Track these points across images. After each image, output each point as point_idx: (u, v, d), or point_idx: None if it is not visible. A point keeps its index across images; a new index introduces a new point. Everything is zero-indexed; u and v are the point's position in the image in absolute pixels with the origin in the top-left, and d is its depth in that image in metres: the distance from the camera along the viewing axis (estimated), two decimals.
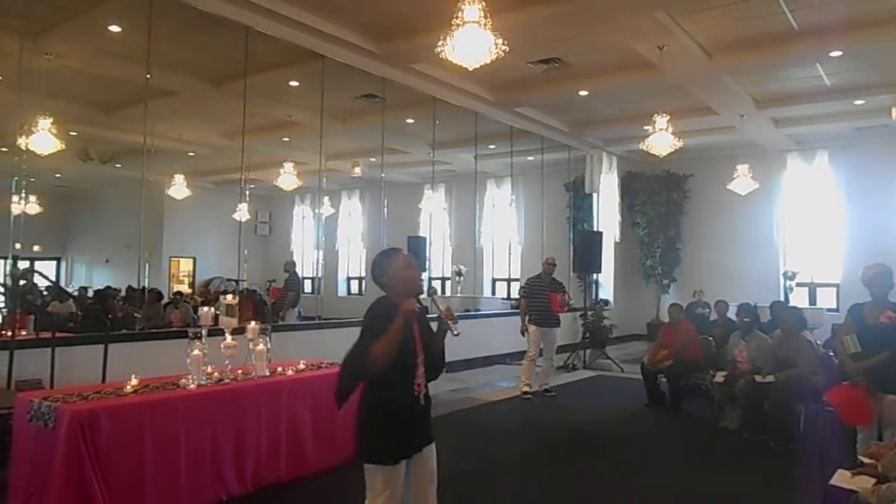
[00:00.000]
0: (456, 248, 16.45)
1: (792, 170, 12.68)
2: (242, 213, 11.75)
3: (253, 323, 4.80)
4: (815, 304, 12.12)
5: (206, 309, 4.63)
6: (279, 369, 4.90)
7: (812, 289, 12.56)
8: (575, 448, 6.15)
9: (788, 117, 10.95)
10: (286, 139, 12.83)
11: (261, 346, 4.71)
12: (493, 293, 15.96)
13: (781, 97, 9.98)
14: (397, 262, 3.06)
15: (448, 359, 8.93)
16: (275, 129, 12.20)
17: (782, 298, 11.25)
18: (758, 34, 7.70)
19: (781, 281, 12.16)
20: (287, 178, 11.44)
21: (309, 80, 9.26)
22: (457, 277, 15.29)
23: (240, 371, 4.66)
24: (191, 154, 14.10)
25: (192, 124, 12.49)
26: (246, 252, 14.72)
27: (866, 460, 3.35)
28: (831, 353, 6.57)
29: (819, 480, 3.70)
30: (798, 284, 12.22)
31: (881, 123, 10.34)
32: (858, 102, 9.79)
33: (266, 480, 4.47)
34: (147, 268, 12.30)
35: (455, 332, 3.05)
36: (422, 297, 3.16)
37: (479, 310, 12.77)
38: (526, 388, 8.34)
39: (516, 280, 14.15)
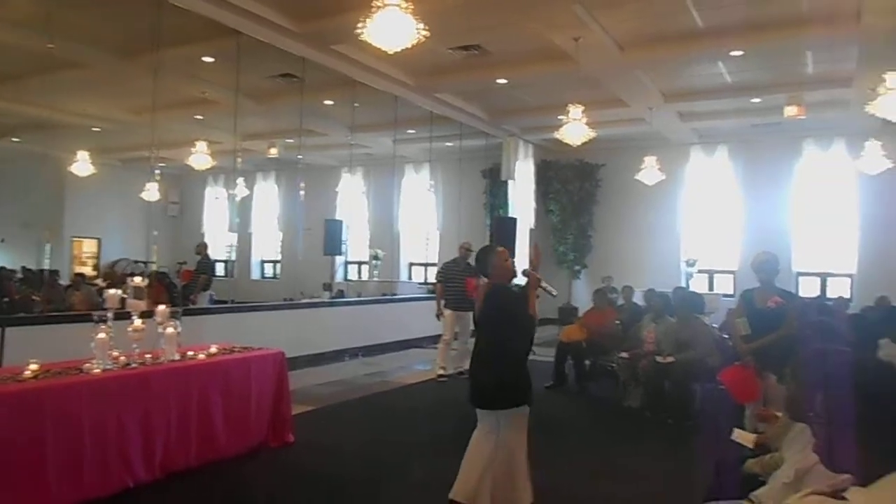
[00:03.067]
0: (373, 233, 16.40)
1: (695, 162, 13.34)
2: (152, 192, 11.32)
3: (162, 306, 4.67)
4: (713, 289, 12.84)
5: (112, 291, 4.47)
6: (190, 353, 4.79)
7: (711, 275, 13.32)
8: None
9: (693, 112, 11.50)
10: (199, 117, 12.40)
11: (170, 330, 4.59)
12: (410, 277, 16.03)
13: (687, 92, 10.47)
14: (500, 256, 3.95)
15: (364, 343, 9.12)
16: (187, 106, 11.76)
17: (684, 284, 11.85)
18: (666, 31, 8.05)
19: (683, 268, 12.81)
20: (199, 157, 11.06)
21: (224, 57, 8.97)
22: (373, 261, 15.26)
23: (148, 355, 4.53)
24: (96, 130, 13.41)
25: (98, 98, 11.86)
26: (155, 233, 14.22)
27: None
28: (726, 336, 7.03)
29: (712, 452, 3.98)
30: (698, 271, 12.91)
31: (775, 121, 11.01)
32: (755, 100, 10.39)
33: (176, 466, 4.38)
34: (48, 249, 11.70)
35: (554, 294, 4.12)
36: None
37: (395, 294, 12.82)
38: (441, 371, 8.48)
39: (433, 265, 14.28)
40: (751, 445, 3.23)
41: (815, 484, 1.84)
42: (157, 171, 11.33)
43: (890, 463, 1.48)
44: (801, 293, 11.66)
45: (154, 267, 11.74)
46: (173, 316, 4.68)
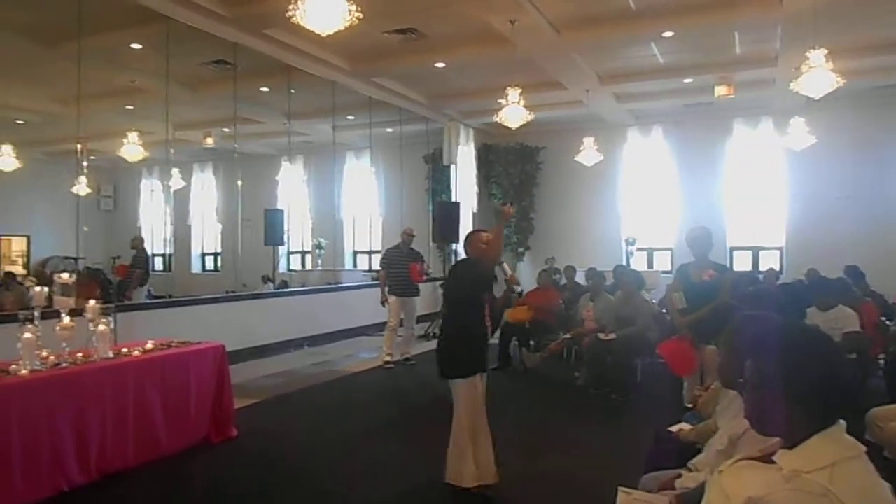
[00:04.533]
0: (316, 221, 16.15)
1: (632, 143, 13.58)
2: (82, 186, 10.88)
3: (93, 302, 4.50)
4: (652, 267, 13.16)
5: (38, 289, 4.28)
6: (124, 350, 4.64)
7: (650, 253, 13.63)
8: (435, 413, 6.31)
9: (628, 93, 11.69)
10: (130, 107, 11.95)
11: (102, 327, 4.42)
12: (355, 265, 15.90)
13: (622, 74, 10.63)
14: (479, 238, 4.11)
15: (310, 333, 9.08)
16: (117, 95, 11.31)
17: (624, 263, 12.09)
18: (601, 13, 8.12)
19: (623, 246, 13.07)
20: (131, 148, 10.64)
21: (153, 44, 8.64)
22: (317, 250, 15.07)
23: (80, 354, 4.36)
24: (19, 122, 12.78)
25: (20, 89, 11.28)
26: (86, 229, 13.65)
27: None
28: (664, 311, 7.22)
29: (652, 424, 4.09)
30: (638, 249, 13.19)
31: (706, 101, 11.30)
32: (687, 81, 10.63)
33: (113, 467, 4.24)
34: None
35: (517, 292, 4.30)
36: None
37: (340, 282, 12.69)
38: (388, 358, 8.45)
39: (378, 252, 14.15)
40: (690, 437, 3.28)
41: (747, 450, 1.90)
42: (85, 164, 10.85)
43: (815, 425, 1.53)
44: (735, 267, 12.08)
45: (86, 263, 11.29)
46: (105, 312, 4.52)
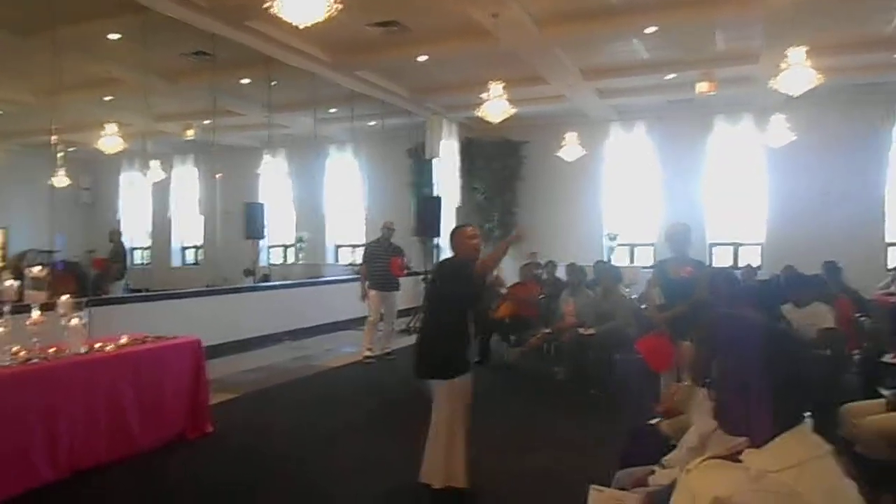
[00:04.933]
0: (299, 215, 16.07)
1: (614, 138, 13.61)
2: (59, 178, 10.75)
3: (65, 296, 4.43)
4: (634, 262, 13.22)
5: (7, 283, 4.20)
6: (97, 345, 4.57)
7: (632, 249, 13.69)
8: (415, 407, 6.29)
9: (611, 89, 11.69)
10: (108, 98, 11.79)
11: (75, 321, 4.36)
12: (337, 259, 15.83)
13: (605, 69, 10.62)
14: (463, 234, 4.03)
15: (291, 327, 9.05)
16: (94, 86, 11.15)
17: (606, 258, 12.13)
18: (583, 7, 8.10)
19: (605, 242, 13.12)
20: (110, 140, 10.49)
21: (131, 34, 8.53)
22: (299, 244, 14.99)
23: (52, 349, 4.29)
24: None
25: None
26: (62, 223, 13.50)
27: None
28: (643, 307, 7.24)
29: (630, 419, 4.10)
30: (620, 245, 13.25)
31: (688, 97, 11.33)
32: (669, 77, 10.66)
33: (85, 464, 4.18)
34: None
35: (503, 292, 4.12)
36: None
37: (322, 276, 12.63)
38: (368, 353, 8.42)
39: (361, 246, 14.12)
40: (667, 431, 3.28)
41: (716, 448, 1.89)
42: (61, 155, 10.70)
43: (781, 424, 1.52)
44: (715, 263, 12.16)
45: (62, 256, 11.14)
46: (77, 307, 4.45)
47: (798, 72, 7.18)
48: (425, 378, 3.91)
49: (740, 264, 11.79)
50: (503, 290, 4.13)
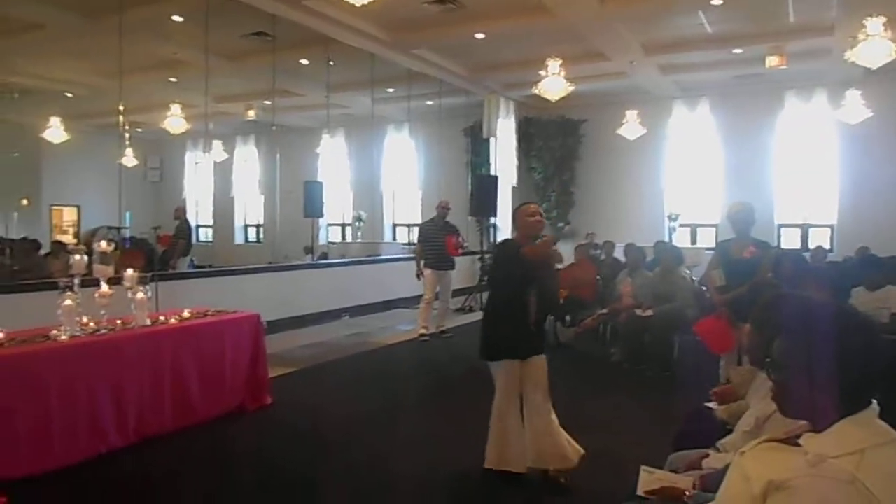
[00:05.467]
0: (356, 194, 16.26)
1: (677, 116, 13.21)
2: (128, 158, 11.15)
3: (130, 270, 4.59)
4: (695, 243, 12.87)
5: (77, 257, 4.39)
6: (161, 318, 4.74)
7: (693, 229, 13.32)
8: (469, 386, 6.32)
9: (674, 65, 11.32)
10: (174, 79, 12.12)
11: (140, 295, 4.52)
12: (394, 238, 15.97)
13: (668, 45, 10.29)
14: (524, 212, 3.92)
15: (348, 304, 9.09)
16: (160, 68, 11.47)
17: (667, 239, 11.85)
18: None
19: (666, 222, 12.81)
20: (175, 120, 10.81)
21: (193, 16, 8.72)
22: (357, 223, 15.16)
23: (119, 321, 4.47)
24: (68, 95, 13.09)
25: (66, 62, 11.53)
26: (131, 201, 13.99)
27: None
28: (704, 288, 7.05)
29: (686, 402, 4.01)
30: (681, 225, 12.91)
31: (756, 72, 10.88)
32: (737, 51, 10.24)
33: (150, 431, 4.36)
34: (15, 217, 11.55)
35: (559, 267, 4.08)
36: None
37: (379, 255, 12.77)
38: (423, 331, 8.49)
39: (417, 225, 14.19)
40: (723, 416, 3.18)
41: (773, 432, 1.83)
42: (128, 136, 11.07)
43: (844, 409, 1.46)
44: (783, 244, 11.73)
45: (130, 233, 11.58)
46: (143, 281, 4.61)
47: (876, 43, 6.78)
48: (483, 359, 3.88)
49: (810, 246, 11.34)
50: (559, 266, 4.00)
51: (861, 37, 6.89)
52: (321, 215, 11.84)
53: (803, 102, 12.09)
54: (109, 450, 4.08)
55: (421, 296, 8.75)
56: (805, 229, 12.35)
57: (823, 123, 11.83)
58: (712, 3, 8.27)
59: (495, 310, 3.95)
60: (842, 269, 7.77)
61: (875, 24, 6.76)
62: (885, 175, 11.05)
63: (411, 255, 9.85)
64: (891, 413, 1.55)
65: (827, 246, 10.95)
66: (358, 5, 5.43)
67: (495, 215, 12.32)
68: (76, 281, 4.19)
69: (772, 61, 9.84)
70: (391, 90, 12.85)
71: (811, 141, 12.15)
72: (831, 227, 12.10)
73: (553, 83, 8.44)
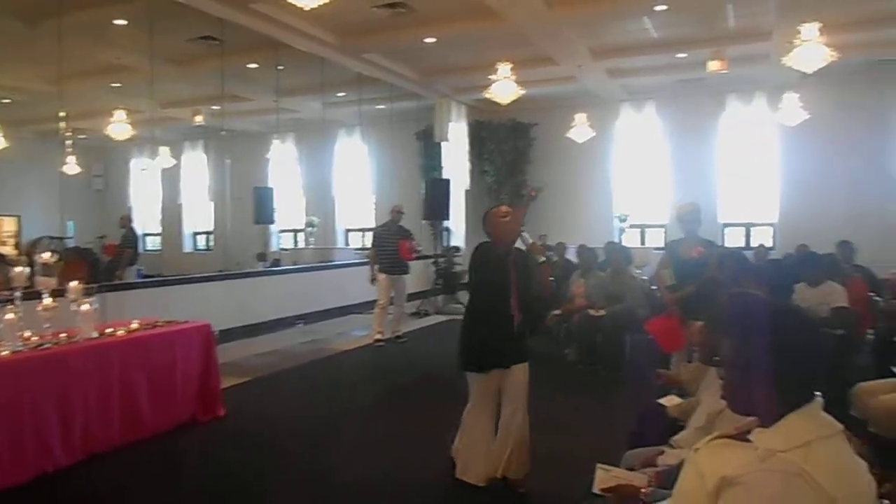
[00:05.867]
0: (308, 199, 16.08)
1: (624, 119, 13.48)
2: (71, 165, 10.79)
3: (75, 282, 4.45)
4: (644, 243, 13.13)
5: (18, 269, 4.23)
6: (109, 330, 4.60)
7: (642, 230, 13.61)
8: (424, 389, 6.34)
9: (621, 68, 11.55)
10: (117, 84, 11.80)
11: (85, 307, 4.38)
12: (347, 243, 15.85)
13: (614, 49, 10.49)
14: (495, 215, 3.76)
15: (302, 311, 8.92)
16: (103, 73, 11.16)
17: (616, 239, 12.07)
18: None
19: (615, 223, 13.04)
20: (119, 126, 10.50)
21: (137, 19, 8.51)
22: (309, 229, 15.01)
23: (63, 334, 4.33)
24: (6, 101, 12.62)
25: (3, 67, 11.10)
26: (74, 209, 13.60)
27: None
28: (654, 288, 7.21)
29: (639, 401, 4.08)
30: (630, 226, 13.17)
31: (700, 76, 11.19)
32: (680, 55, 10.51)
33: (98, 447, 4.23)
34: None
35: (541, 261, 3.89)
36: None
37: (332, 260, 12.65)
38: (378, 336, 8.45)
39: (370, 230, 14.11)
40: (675, 413, 3.26)
41: (724, 427, 1.88)
42: (70, 143, 10.73)
43: (791, 403, 1.51)
44: (727, 243, 12.07)
45: (74, 243, 11.22)
46: (87, 292, 4.47)
47: (811, 48, 7.05)
48: (463, 369, 3.81)
49: (753, 244, 11.71)
50: (542, 259, 3.80)
51: (797, 42, 7.15)
52: (272, 221, 11.70)
53: (744, 105, 12.48)
54: (56, 468, 3.94)
55: (375, 301, 8.71)
56: (748, 228, 12.75)
57: (764, 125, 12.24)
58: (656, 8, 8.47)
59: (477, 317, 3.80)
60: (783, 266, 8.03)
61: (810, 30, 7.03)
62: (823, 175, 11.49)
63: (365, 260, 9.81)
64: (834, 405, 1.61)
65: (769, 244, 11.33)
66: (307, 9, 5.38)
67: (448, 219, 12.36)
68: (17, 294, 4.04)
69: (713, 66, 10.10)
70: (342, 94, 12.77)
71: (752, 142, 12.55)
72: (773, 225, 12.51)
73: (503, 87, 8.52)
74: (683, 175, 12.67)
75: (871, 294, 7.30)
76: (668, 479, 2.18)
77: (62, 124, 9.47)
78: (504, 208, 3.82)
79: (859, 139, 11.31)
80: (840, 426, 1.51)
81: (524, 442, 3.77)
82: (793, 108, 10.02)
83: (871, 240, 9.61)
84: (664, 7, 8.38)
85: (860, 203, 11.00)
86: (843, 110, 11.30)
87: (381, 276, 8.40)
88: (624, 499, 2.21)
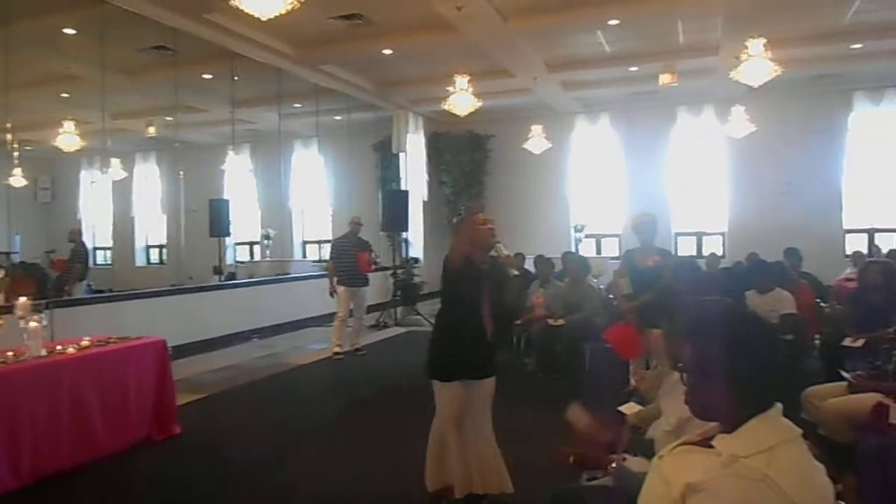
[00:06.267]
0: (264, 211, 15.87)
1: (579, 130, 13.73)
2: (16, 178, 10.48)
3: (23, 299, 4.30)
4: (600, 253, 13.34)
5: None
6: (58, 348, 4.45)
7: (598, 240, 13.83)
8: (384, 402, 6.29)
9: (576, 81, 11.77)
10: (66, 95, 11.49)
11: (34, 324, 4.23)
12: (305, 256, 15.68)
13: (569, 62, 10.69)
14: (476, 220, 3.70)
15: (258, 325, 8.79)
16: (51, 83, 10.88)
17: (573, 249, 12.22)
18: (547, 0, 8.13)
19: (572, 233, 13.21)
20: (68, 138, 10.24)
21: (87, 29, 8.33)
22: (265, 241, 14.80)
23: (10, 353, 4.17)
24: None
25: None
26: (20, 223, 13.14)
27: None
28: (611, 297, 7.32)
29: (599, 408, 4.11)
30: (586, 236, 13.37)
31: (651, 89, 11.47)
32: (633, 69, 10.77)
33: (49, 469, 4.07)
34: None
35: (513, 274, 3.86)
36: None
37: (289, 273, 12.50)
38: (337, 349, 8.36)
39: (328, 241, 14.00)
40: (634, 421, 3.30)
41: (690, 433, 1.91)
42: (16, 154, 10.41)
43: (752, 408, 1.53)
44: (679, 252, 12.34)
45: (19, 258, 10.84)
46: (37, 309, 4.32)
47: (757, 63, 7.31)
48: (432, 378, 3.71)
49: (704, 253, 12.00)
50: (514, 272, 3.69)
51: (744, 57, 7.40)
52: (228, 234, 11.50)
53: (694, 117, 12.84)
54: (3, 491, 3.78)
55: (334, 313, 8.63)
56: (700, 237, 13.07)
57: (713, 137, 12.60)
58: (609, 22, 8.67)
59: (449, 326, 3.72)
60: (734, 274, 8.24)
61: (756, 45, 7.28)
62: (769, 184, 11.88)
63: (323, 273, 9.72)
64: (791, 410, 1.65)
65: (720, 252, 11.63)
66: (263, 20, 5.33)
67: (407, 230, 12.35)
68: None
69: (664, 79, 10.40)
70: (298, 105, 12.68)
71: (702, 154, 12.91)
72: (723, 234, 12.85)
73: (461, 99, 8.59)
74: (637, 185, 12.94)
75: (818, 301, 7.55)
76: (633, 485, 2.20)
77: (8, 136, 9.15)
78: (481, 216, 3.76)
79: (803, 150, 11.73)
80: (799, 431, 1.53)
81: (497, 454, 3.75)
82: (740, 120, 10.35)
83: (815, 247, 9.96)
84: (617, 21, 8.58)
85: (805, 212, 11.38)
86: (787, 123, 11.72)
87: (341, 289, 8.33)
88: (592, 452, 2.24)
